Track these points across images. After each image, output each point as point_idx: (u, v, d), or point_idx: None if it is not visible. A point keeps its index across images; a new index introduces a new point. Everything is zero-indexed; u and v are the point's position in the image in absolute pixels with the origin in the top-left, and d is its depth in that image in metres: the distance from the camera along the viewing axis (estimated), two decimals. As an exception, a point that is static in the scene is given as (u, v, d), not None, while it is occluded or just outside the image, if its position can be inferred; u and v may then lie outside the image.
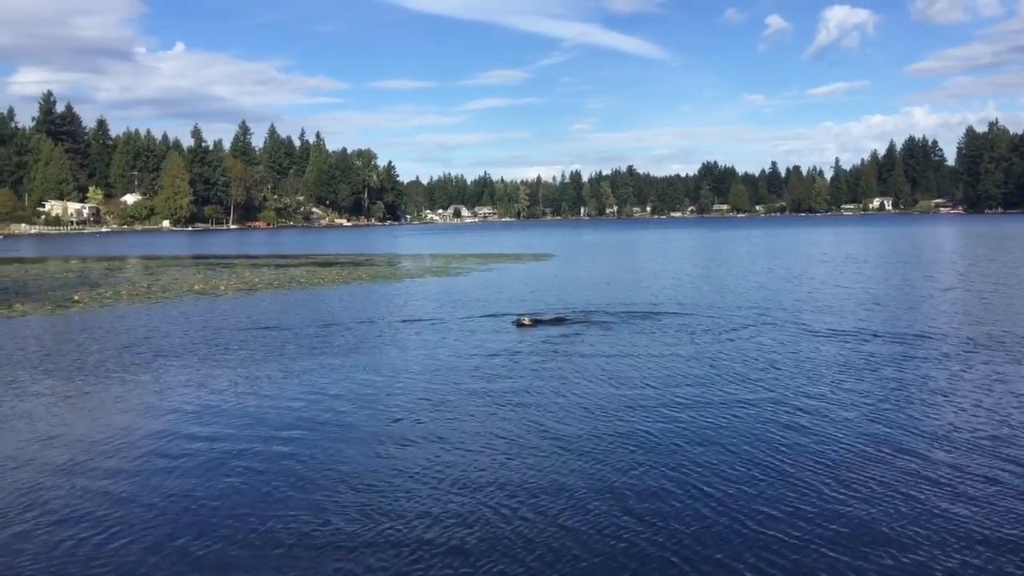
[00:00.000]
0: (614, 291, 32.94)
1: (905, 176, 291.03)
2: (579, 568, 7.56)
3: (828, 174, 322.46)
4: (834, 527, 8.31)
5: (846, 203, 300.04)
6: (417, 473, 10.18)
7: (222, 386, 15.66)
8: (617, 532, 8.30)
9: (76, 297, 33.37)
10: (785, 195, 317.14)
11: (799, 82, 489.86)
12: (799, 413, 12.72)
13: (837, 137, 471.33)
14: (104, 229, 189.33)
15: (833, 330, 21.00)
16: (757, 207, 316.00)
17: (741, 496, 9.23)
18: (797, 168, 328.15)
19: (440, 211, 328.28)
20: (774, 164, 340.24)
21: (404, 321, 24.68)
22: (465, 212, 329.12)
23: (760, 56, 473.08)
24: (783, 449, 10.92)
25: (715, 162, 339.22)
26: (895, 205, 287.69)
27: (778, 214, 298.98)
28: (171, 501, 9.42)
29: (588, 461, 10.54)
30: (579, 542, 8.07)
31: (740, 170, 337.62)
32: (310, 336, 21.82)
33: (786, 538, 8.08)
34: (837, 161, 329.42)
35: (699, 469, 10.17)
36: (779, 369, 16.18)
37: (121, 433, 12.41)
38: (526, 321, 22.87)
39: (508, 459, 10.67)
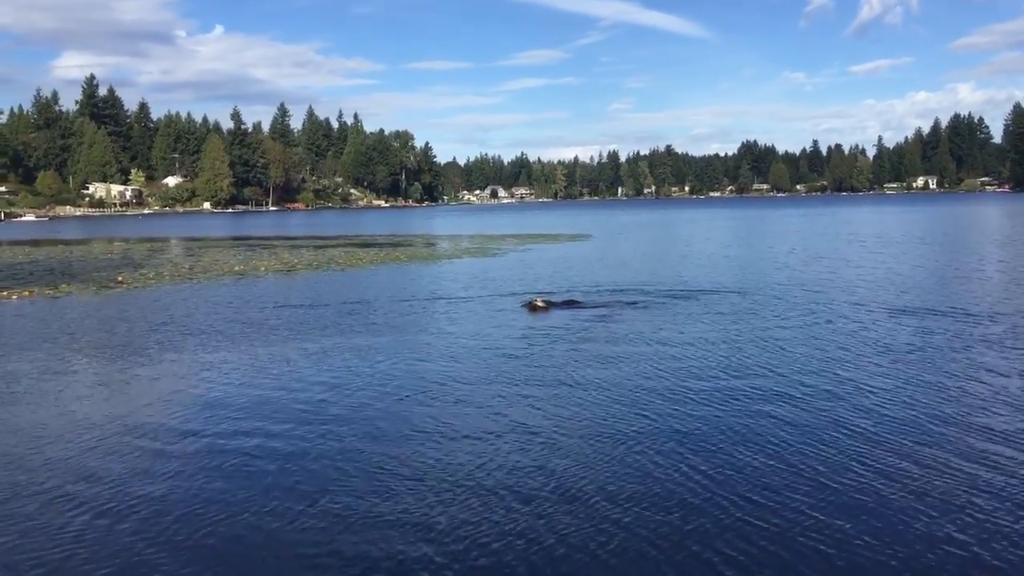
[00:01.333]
0: (647, 272, 32.76)
1: (950, 154, 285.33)
2: (597, 562, 7.56)
3: (871, 153, 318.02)
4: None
5: (889, 182, 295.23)
6: (434, 455, 10.23)
7: (261, 365, 15.82)
8: (642, 523, 8.24)
9: (120, 278, 33.91)
10: (826, 174, 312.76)
11: (841, 59, 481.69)
12: (839, 396, 12.56)
13: (880, 115, 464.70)
14: (146, 211, 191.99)
15: (883, 310, 20.74)
16: (798, 186, 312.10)
17: (775, 487, 9.14)
18: (839, 146, 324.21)
19: (477, 192, 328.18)
20: (815, 143, 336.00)
21: (438, 302, 24.77)
22: (502, 193, 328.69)
23: (801, 33, 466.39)
24: (798, 437, 10.80)
25: (755, 141, 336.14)
26: (939, 184, 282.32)
27: (819, 193, 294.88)
28: (210, 478, 9.55)
29: (585, 451, 10.50)
30: (598, 533, 8.05)
31: (780, 149, 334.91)
32: (348, 317, 21.95)
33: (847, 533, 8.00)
34: (880, 139, 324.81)
35: (712, 450, 10.11)
36: (792, 350, 16.01)
37: (162, 409, 12.60)
38: (540, 303, 22.04)
39: (522, 447, 10.67)
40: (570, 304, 22.57)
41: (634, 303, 22.86)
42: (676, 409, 11.92)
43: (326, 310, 23.27)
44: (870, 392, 12.61)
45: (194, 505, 8.70)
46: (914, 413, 11.43)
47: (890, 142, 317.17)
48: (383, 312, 22.64)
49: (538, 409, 12.08)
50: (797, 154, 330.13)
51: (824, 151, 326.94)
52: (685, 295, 24.52)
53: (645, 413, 11.74)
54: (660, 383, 13.49)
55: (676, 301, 23.22)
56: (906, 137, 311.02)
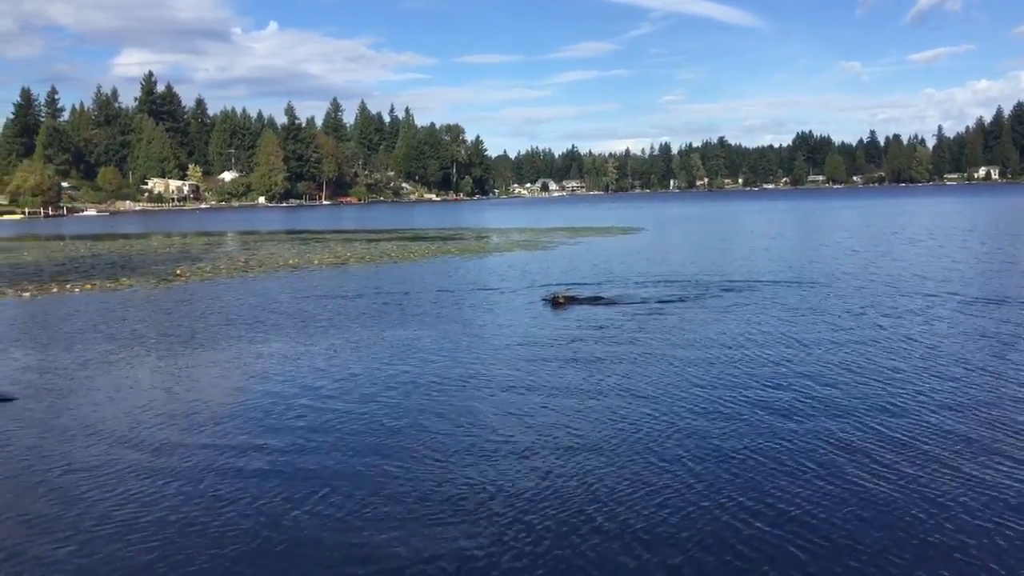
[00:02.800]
0: (692, 265, 32.40)
1: (1013, 144, 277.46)
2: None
3: (930, 143, 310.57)
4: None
5: (949, 173, 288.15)
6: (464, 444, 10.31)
7: (316, 355, 16.07)
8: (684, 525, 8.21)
9: (178, 271, 34.62)
10: (884, 165, 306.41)
11: (899, 48, 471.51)
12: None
13: (940, 104, 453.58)
14: (203, 206, 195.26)
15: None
16: (854, 177, 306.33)
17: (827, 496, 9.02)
18: (897, 137, 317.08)
19: (528, 185, 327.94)
20: (872, 133, 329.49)
21: (480, 295, 24.86)
22: (553, 186, 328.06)
23: (857, 22, 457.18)
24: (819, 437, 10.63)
25: (810, 132, 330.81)
26: (1002, 174, 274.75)
27: (876, 185, 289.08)
28: (268, 464, 9.74)
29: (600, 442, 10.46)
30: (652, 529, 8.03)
31: (836, 140, 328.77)
32: (394, 309, 22.16)
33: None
34: (940, 129, 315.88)
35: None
36: (809, 347, 15.75)
37: (221, 398, 12.90)
38: (561, 299, 21.82)
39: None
40: (594, 300, 22.23)
41: (664, 300, 22.32)
42: (648, 417, 11.78)
43: (376, 303, 23.47)
44: (903, 387, 12.42)
45: (230, 487, 8.92)
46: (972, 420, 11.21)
47: (951, 132, 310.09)
48: (425, 305, 22.84)
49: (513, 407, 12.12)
50: (854, 145, 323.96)
51: (882, 141, 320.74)
52: (722, 290, 24.10)
53: (607, 420, 11.59)
54: (637, 389, 13.07)
55: (710, 297, 22.64)
56: (967, 127, 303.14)
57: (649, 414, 11.39)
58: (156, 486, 9.17)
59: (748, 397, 12.14)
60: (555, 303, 21.77)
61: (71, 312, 23.53)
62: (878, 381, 12.79)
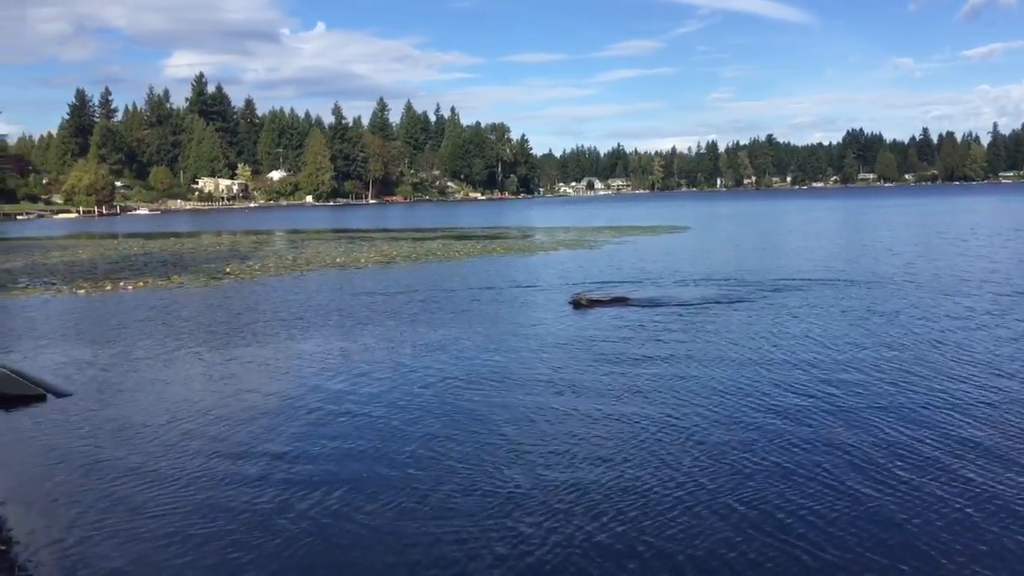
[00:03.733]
0: (730, 265, 32.05)
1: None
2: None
3: (985, 140, 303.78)
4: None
5: (1004, 171, 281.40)
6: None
7: (354, 353, 16.21)
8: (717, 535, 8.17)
9: (228, 269, 35.17)
10: (937, 163, 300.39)
11: (952, 43, 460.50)
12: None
13: (995, 100, 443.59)
14: (252, 204, 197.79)
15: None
16: (906, 176, 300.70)
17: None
18: (951, 134, 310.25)
19: (573, 184, 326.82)
20: (925, 130, 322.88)
21: (519, 292, 24.88)
22: (598, 184, 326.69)
23: (909, 17, 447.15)
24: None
25: (860, 129, 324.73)
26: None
27: (929, 183, 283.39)
28: (316, 461, 9.86)
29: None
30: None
31: (888, 137, 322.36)
32: (436, 308, 22.26)
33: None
34: (995, 126, 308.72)
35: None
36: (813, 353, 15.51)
37: (269, 397, 13.06)
38: (583, 301, 21.34)
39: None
40: (619, 302, 21.64)
41: (693, 302, 21.68)
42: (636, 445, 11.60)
43: (416, 302, 23.61)
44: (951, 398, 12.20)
45: (268, 481, 9.06)
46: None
47: (1006, 129, 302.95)
48: (462, 303, 22.98)
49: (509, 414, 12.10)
50: (906, 142, 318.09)
51: (935, 139, 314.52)
52: (756, 291, 23.51)
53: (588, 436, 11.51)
54: (632, 407, 12.47)
55: (741, 300, 21.83)
56: (1023, 123, 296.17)
57: (638, 439, 11.18)
58: (206, 484, 9.32)
59: (769, 419, 11.82)
60: (576, 305, 21.35)
61: (124, 309, 24.05)
62: (912, 392, 12.49)
